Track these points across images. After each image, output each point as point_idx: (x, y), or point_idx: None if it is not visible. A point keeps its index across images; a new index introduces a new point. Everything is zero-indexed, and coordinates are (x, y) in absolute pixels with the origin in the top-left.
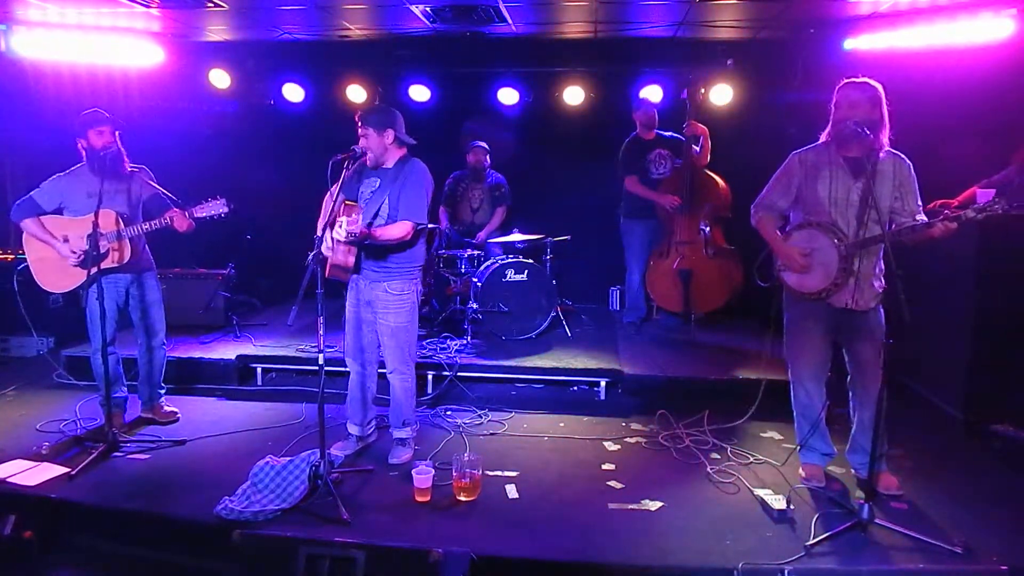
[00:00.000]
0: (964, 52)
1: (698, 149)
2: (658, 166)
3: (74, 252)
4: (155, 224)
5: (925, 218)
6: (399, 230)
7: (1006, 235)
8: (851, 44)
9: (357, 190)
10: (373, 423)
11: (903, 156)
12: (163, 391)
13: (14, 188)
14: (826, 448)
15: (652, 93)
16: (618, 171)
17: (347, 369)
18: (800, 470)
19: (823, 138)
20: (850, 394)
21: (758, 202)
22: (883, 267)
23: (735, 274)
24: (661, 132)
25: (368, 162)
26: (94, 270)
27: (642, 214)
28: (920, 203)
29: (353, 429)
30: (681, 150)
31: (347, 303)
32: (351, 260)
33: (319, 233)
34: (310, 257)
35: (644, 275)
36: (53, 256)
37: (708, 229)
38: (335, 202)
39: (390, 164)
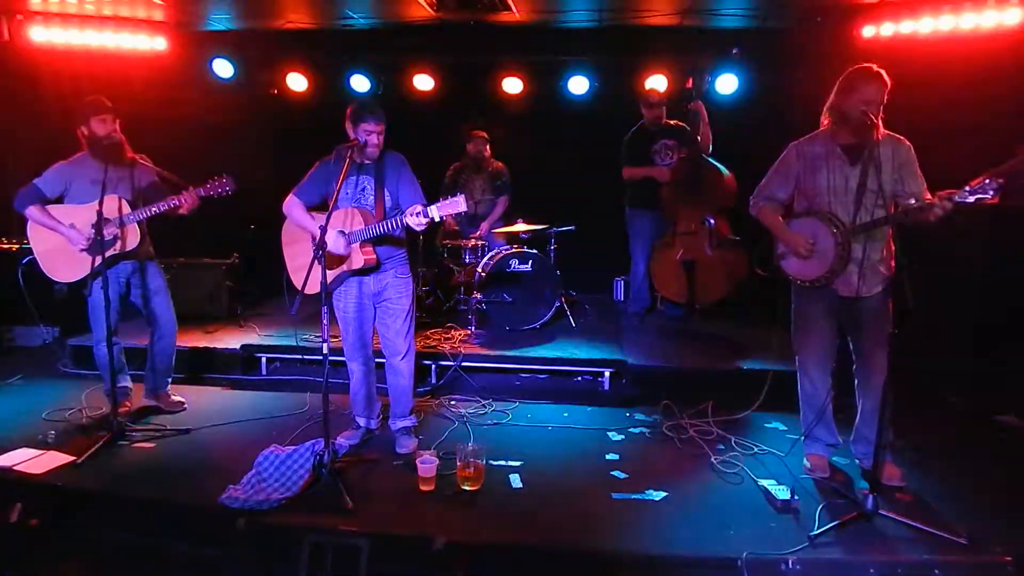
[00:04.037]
0: (972, 40)
1: (698, 134)
2: (663, 157)
3: (81, 234)
4: (162, 206)
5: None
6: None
7: (1016, 226)
8: (858, 32)
9: (334, 184)
10: (379, 414)
11: (901, 138)
12: (169, 380)
13: (16, 176)
14: (831, 438)
15: (658, 82)
16: (621, 161)
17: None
18: (805, 460)
19: (824, 124)
20: (855, 383)
21: (757, 192)
22: (891, 252)
23: (739, 266)
24: (667, 121)
25: (369, 158)
26: (98, 260)
27: (647, 204)
28: (924, 184)
29: (361, 421)
30: (686, 138)
31: (343, 304)
32: (374, 257)
33: (320, 236)
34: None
35: (648, 265)
36: (60, 245)
37: (712, 220)
38: (330, 209)
39: (371, 160)
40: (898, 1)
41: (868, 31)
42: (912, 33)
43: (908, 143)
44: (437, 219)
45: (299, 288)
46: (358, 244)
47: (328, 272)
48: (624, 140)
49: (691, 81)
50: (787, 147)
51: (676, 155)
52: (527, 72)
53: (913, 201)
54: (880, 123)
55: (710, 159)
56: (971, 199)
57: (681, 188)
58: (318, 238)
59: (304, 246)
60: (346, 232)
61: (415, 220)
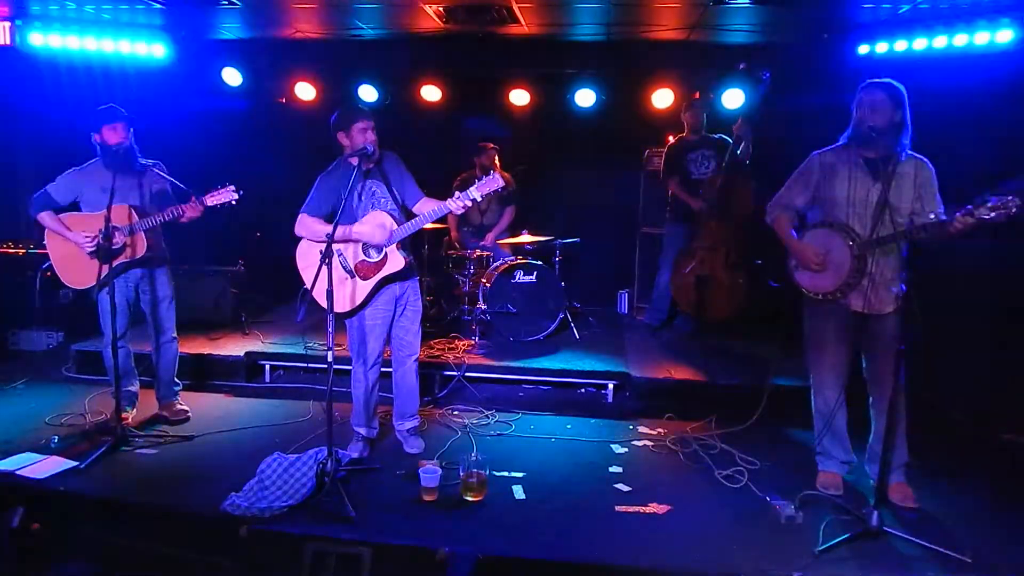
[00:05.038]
0: (980, 58)
1: (739, 152)
2: (699, 166)
3: (88, 238)
4: (166, 215)
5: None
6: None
7: (1021, 243)
8: (866, 49)
9: (341, 195)
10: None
11: (926, 159)
12: (178, 388)
13: (25, 181)
14: (845, 456)
15: (664, 96)
16: (661, 175)
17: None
18: (818, 477)
19: (844, 138)
20: (869, 401)
21: (775, 201)
22: (904, 272)
23: (751, 288)
24: (709, 134)
25: (372, 159)
26: (106, 268)
27: (687, 219)
28: (942, 207)
29: (363, 431)
30: (723, 153)
31: (374, 312)
32: (402, 260)
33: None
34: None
35: (671, 273)
36: (73, 251)
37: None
38: (337, 218)
39: (372, 164)
40: (906, 18)
41: (876, 48)
42: (923, 51)
43: (931, 165)
44: (479, 199)
45: (329, 310)
46: (395, 246)
47: (365, 283)
48: (665, 152)
49: (698, 93)
50: (809, 156)
51: (714, 164)
52: (534, 84)
53: (932, 216)
54: (906, 140)
55: (746, 176)
56: (992, 216)
57: (711, 203)
58: (325, 246)
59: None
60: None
61: (457, 204)
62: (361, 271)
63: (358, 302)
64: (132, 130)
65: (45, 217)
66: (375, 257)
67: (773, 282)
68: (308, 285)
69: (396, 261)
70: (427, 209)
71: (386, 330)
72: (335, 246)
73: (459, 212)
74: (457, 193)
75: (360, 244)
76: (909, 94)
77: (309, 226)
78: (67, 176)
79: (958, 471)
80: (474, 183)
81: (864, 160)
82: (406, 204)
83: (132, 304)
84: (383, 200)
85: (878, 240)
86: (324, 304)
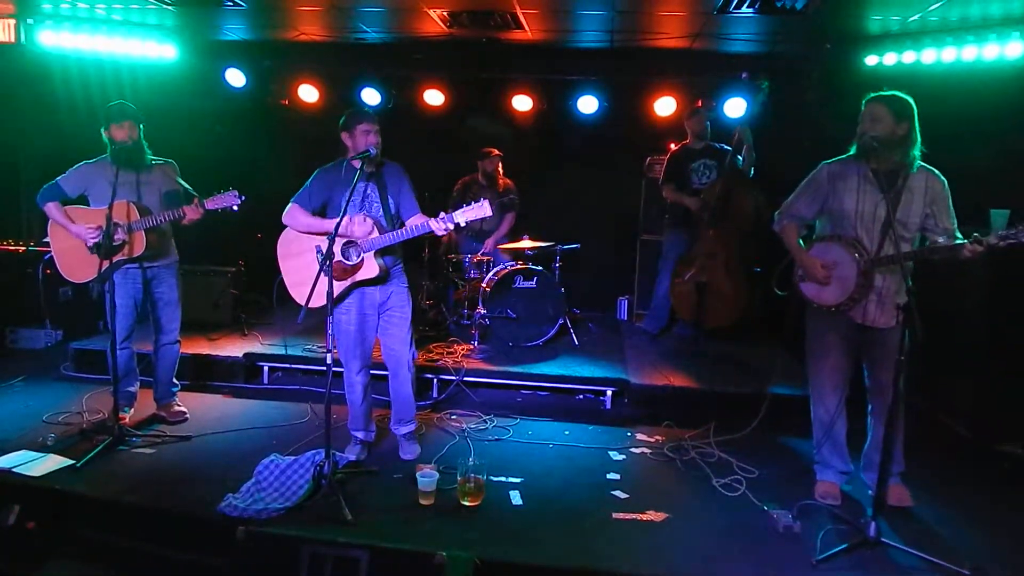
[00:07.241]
0: (980, 71)
1: (741, 159)
2: (701, 175)
3: (91, 230)
4: (167, 215)
5: (961, 237)
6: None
7: (1018, 255)
8: (867, 60)
9: (337, 193)
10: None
11: (938, 172)
12: (176, 389)
13: (28, 179)
14: (843, 466)
15: (667, 104)
16: (660, 181)
17: None
18: (816, 487)
19: (853, 149)
20: (868, 409)
21: (783, 210)
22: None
23: (750, 296)
24: (713, 143)
25: (372, 162)
26: (106, 264)
27: (686, 226)
28: (955, 221)
29: (360, 435)
30: (724, 162)
31: (348, 317)
32: (377, 268)
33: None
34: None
35: (671, 280)
36: (76, 245)
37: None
38: (339, 219)
39: (373, 167)
40: (906, 32)
41: (876, 60)
42: (915, 63)
43: (943, 178)
44: (463, 224)
45: (303, 303)
46: (372, 253)
47: (337, 284)
48: (667, 158)
49: (700, 101)
50: (819, 166)
51: (716, 174)
52: (537, 90)
53: (941, 240)
54: (915, 153)
55: (747, 185)
56: (1003, 244)
57: (710, 211)
58: (326, 247)
59: (306, 259)
60: (358, 241)
61: (440, 226)
62: (336, 271)
63: (320, 302)
64: (141, 128)
65: (51, 208)
66: (352, 260)
67: (779, 290)
68: (284, 276)
69: (371, 268)
70: (411, 224)
71: (367, 336)
72: (317, 240)
73: (440, 234)
74: (442, 214)
75: (341, 244)
76: (917, 107)
77: (299, 220)
78: (78, 169)
79: (955, 481)
80: (475, 187)
81: (873, 172)
82: (400, 216)
83: (139, 304)
84: (374, 206)
85: (887, 259)
86: (296, 297)
